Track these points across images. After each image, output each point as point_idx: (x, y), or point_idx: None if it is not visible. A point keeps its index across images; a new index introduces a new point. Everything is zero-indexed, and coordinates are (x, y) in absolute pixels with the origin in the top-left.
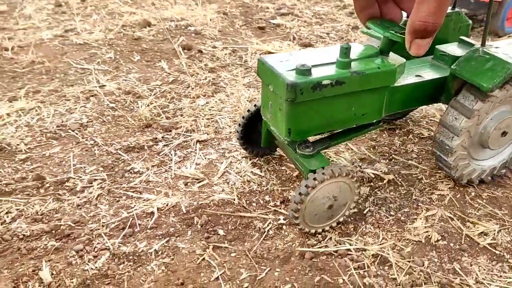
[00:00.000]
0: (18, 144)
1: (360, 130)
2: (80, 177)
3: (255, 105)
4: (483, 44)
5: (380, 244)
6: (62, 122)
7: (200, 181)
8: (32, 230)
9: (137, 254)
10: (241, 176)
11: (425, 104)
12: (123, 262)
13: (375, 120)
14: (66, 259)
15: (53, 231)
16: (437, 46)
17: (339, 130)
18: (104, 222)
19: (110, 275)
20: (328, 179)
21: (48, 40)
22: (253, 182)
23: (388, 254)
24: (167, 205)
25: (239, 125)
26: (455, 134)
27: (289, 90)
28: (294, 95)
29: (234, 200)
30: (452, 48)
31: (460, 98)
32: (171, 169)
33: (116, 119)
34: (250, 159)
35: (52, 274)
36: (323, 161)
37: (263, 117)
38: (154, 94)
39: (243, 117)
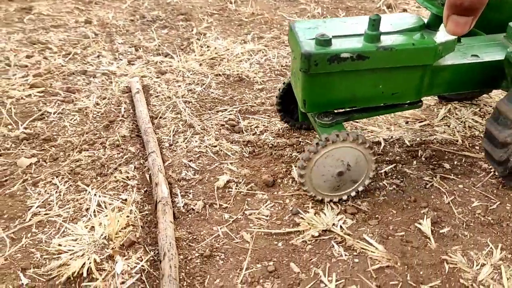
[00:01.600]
0: (254, 77)
1: (392, 108)
2: None
3: (289, 77)
4: None
5: None
6: (286, 63)
7: (421, 121)
8: (278, 142)
9: None
10: (461, 122)
11: (481, 89)
12: None
13: (409, 101)
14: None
15: (294, 146)
16: (511, 23)
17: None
18: None
19: None
20: (336, 142)
21: None
22: (475, 129)
23: None
24: (391, 138)
25: (276, 97)
26: (508, 126)
27: (303, 61)
28: (308, 66)
29: (458, 141)
30: None
31: None
32: None
33: None
34: (470, 108)
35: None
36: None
37: (292, 85)
38: None
39: (279, 89)
